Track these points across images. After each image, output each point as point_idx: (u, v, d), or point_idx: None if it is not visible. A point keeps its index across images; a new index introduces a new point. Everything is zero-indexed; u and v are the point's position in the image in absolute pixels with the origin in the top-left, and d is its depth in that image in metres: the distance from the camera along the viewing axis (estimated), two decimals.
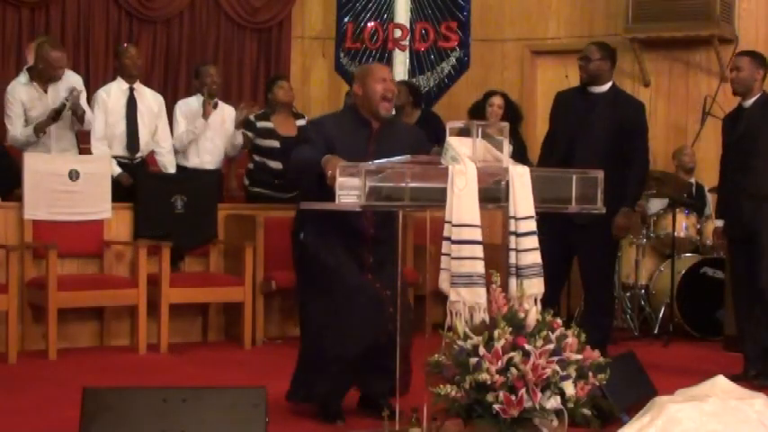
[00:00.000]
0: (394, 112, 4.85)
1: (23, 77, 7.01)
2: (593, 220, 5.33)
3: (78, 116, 6.85)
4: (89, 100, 7.17)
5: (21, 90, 6.93)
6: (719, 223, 6.22)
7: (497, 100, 7.96)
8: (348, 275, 4.60)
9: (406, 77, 9.25)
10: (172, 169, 7.34)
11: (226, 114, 7.54)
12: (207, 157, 7.47)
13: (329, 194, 4.03)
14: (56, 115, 6.76)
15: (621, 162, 5.99)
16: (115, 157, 7.04)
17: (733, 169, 6.05)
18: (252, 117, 7.52)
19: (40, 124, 6.78)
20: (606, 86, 6.22)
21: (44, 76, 6.89)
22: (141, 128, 7.19)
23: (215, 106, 7.43)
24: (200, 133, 7.37)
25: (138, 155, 7.18)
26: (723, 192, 6.22)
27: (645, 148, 6.25)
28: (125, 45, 7.68)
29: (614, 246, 6.35)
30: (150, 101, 7.31)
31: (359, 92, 4.72)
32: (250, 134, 7.44)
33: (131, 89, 7.20)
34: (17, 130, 6.87)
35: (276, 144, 7.33)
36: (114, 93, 7.19)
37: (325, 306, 4.62)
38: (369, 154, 4.55)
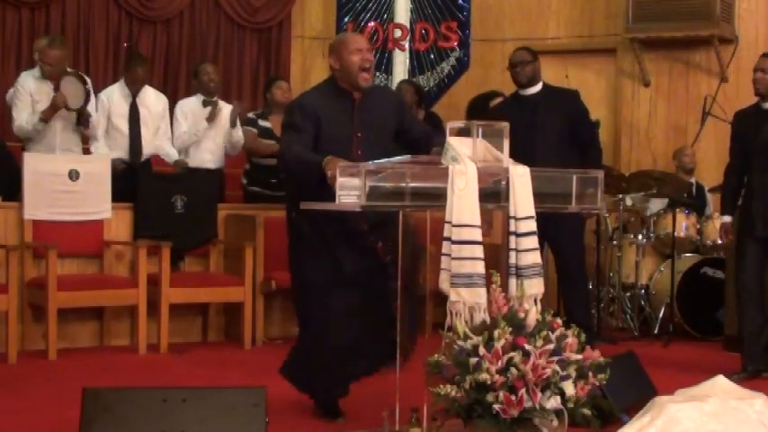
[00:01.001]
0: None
1: (36, 71, 7.01)
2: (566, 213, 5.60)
3: (84, 118, 6.87)
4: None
5: (30, 82, 6.93)
6: (727, 218, 6.27)
7: (497, 102, 7.95)
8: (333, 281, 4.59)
9: (406, 77, 9.24)
10: (176, 157, 7.35)
11: (225, 113, 7.55)
12: (207, 155, 7.48)
13: (329, 192, 4.04)
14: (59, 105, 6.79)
15: (576, 151, 6.48)
16: (118, 159, 7.05)
17: (761, 170, 6.03)
18: (253, 115, 7.58)
19: (47, 111, 6.77)
20: (539, 86, 6.65)
21: (46, 74, 6.90)
22: (144, 133, 7.21)
23: (215, 105, 7.44)
24: (203, 136, 7.39)
25: (142, 158, 7.20)
26: (730, 190, 6.27)
27: (593, 131, 6.78)
28: (125, 45, 7.68)
29: (583, 236, 6.87)
30: (154, 103, 7.32)
31: (336, 65, 4.65)
32: (254, 130, 7.47)
33: (134, 95, 7.22)
34: (23, 118, 6.87)
35: (274, 144, 7.34)
36: (117, 98, 7.21)
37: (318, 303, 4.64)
38: (354, 125, 4.59)
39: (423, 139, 4.65)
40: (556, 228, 6.06)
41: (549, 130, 6.46)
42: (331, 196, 3.97)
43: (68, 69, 7.05)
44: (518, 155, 6.21)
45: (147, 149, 7.25)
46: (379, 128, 4.66)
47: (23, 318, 6.36)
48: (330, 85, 4.73)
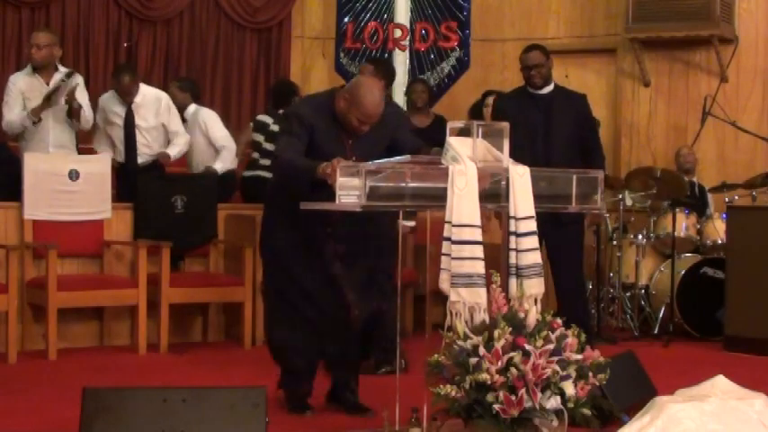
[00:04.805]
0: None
1: (27, 69, 6.99)
2: (570, 216, 5.81)
3: (74, 110, 6.81)
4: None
5: (21, 79, 6.91)
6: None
7: (492, 101, 7.95)
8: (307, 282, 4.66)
9: (406, 77, 9.24)
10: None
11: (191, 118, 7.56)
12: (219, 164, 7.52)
13: (319, 196, 4.11)
14: (49, 98, 6.71)
15: (580, 154, 6.49)
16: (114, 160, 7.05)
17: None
18: (267, 119, 7.54)
19: (36, 109, 6.71)
20: (552, 86, 6.68)
21: (37, 60, 6.86)
22: (140, 138, 7.17)
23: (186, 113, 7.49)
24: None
25: (139, 161, 7.20)
26: None
27: (598, 137, 6.89)
28: (125, 45, 7.65)
29: (583, 240, 6.88)
30: (152, 106, 7.21)
31: (341, 105, 4.54)
32: (261, 137, 7.48)
33: (128, 103, 7.16)
34: (13, 114, 6.83)
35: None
36: (112, 105, 7.12)
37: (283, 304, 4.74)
38: (347, 147, 4.57)
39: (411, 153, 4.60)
40: (555, 235, 6.15)
41: (561, 131, 6.48)
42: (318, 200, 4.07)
43: (59, 66, 7.04)
44: (532, 155, 6.26)
45: (143, 157, 7.19)
46: (374, 146, 4.61)
47: (23, 318, 6.35)
48: (328, 106, 4.63)
